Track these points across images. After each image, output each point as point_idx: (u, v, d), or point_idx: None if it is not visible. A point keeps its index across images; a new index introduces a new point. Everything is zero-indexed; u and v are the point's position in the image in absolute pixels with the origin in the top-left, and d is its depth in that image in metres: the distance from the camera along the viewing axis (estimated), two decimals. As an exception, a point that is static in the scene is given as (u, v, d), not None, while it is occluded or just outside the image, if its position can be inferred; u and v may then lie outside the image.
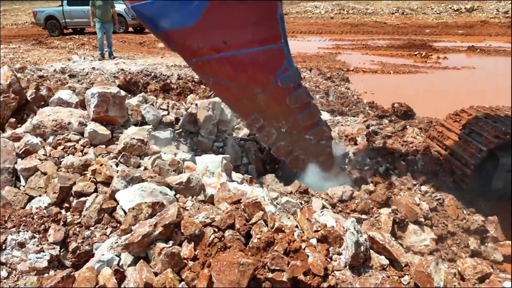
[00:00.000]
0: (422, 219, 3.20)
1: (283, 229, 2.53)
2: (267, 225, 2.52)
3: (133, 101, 4.53)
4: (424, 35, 16.97)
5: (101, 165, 2.98)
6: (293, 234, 2.44)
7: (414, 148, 4.11)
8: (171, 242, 2.44)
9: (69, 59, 8.70)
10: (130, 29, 19.08)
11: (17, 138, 3.60)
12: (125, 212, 2.63)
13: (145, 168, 3.35)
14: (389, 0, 29.31)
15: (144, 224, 2.41)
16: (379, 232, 2.29)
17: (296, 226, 2.69)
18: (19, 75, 6.56)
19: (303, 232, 2.53)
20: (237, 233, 2.48)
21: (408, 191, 3.43)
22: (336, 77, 8.94)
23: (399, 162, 3.96)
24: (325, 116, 5.95)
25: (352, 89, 8.39)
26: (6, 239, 2.56)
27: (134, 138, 3.54)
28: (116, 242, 2.49)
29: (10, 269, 2.54)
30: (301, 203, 3.40)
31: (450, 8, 24.90)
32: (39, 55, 9.51)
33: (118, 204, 2.73)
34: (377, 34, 18.07)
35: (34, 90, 4.71)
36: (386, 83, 9.19)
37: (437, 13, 24.19)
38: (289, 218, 2.99)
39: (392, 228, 3.09)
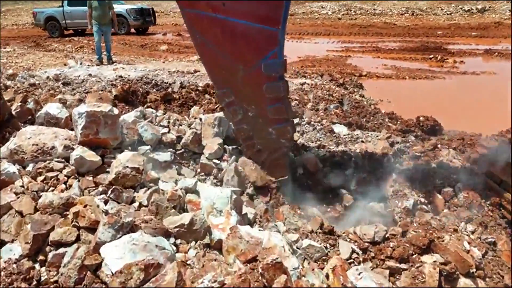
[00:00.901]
0: (474, 270, 2.65)
1: (312, 298, 1.99)
2: (291, 294, 1.98)
3: (129, 117, 4.00)
4: (437, 37, 16.34)
5: (85, 206, 2.44)
6: (326, 309, 1.90)
7: (452, 175, 3.55)
8: (169, 316, 1.91)
9: (65, 64, 8.19)
10: (132, 30, 18.62)
11: (-7, 164, 3.08)
12: (113, 273, 2.10)
13: (140, 205, 2.81)
14: (396, 0, 28.67)
15: (134, 294, 1.88)
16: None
17: (327, 289, 2.15)
18: (9, 82, 6.06)
19: (338, 304, 1.99)
20: (254, 305, 1.95)
21: (455, 234, 2.87)
22: (349, 84, 8.38)
23: (434, 195, 3.41)
24: (342, 130, 5.40)
25: (367, 96, 7.83)
26: (-38, 306, 2.04)
27: (127, 167, 3.01)
28: (100, 314, 1.96)
29: None
30: (325, 247, 2.86)
31: (461, 8, 24.22)
32: (34, 59, 8.98)
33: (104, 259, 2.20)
34: (387, 35, 17.45)
35: (19, 104, 4.20)
36: (402, 90, 8.62)
37: (448, 14, 23.52)
38: (313, 270, 2.46)
39: (438, 281, 2.55)
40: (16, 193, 2.76)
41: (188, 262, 2.34)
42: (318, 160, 4.10)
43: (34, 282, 2.20)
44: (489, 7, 23.78)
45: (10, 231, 2.49)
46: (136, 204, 2.85)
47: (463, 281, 2.57)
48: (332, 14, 25.47)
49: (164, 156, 3.66)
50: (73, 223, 2.44)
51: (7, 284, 2.15)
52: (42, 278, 2.23)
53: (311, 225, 3.12)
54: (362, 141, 4.97)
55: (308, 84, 7.65)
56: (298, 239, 2.85)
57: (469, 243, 2.79)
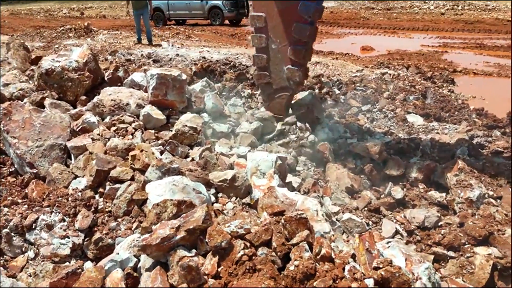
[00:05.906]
0: (538, 271, 2.31)
1: (332, 257, 1.96)
2: (311, 250, 1.97)
3: (197, 86, 4.27)
4: (561, 35, 14.01)
5: (141, 151, 2.72)
6: (344, 268, 1.86)
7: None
8: (194, 251, 2.05)
9: (159, 45, 9.02)
10: (226, 22, 19.49)
11: (81, 115, 3.57)
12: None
13: (192, 159, 3.03)
14: (517, -5, 25.20)
15: (165, 225, 2.06)
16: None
17: (352, 256, 2.08)
18: (109, 57, 6.89)
19: (359, 267, 1.92)
20: (273, 253, 1.99)
21: (521, 230, 2.53)
22: (438, 78, 7.72)
23: (507, 190, 3.03)
24: (417, 120, 5.05)
25: (457, 92, 7.14)
26: (37, 219, 2.45)
27: (186, 126, 3.25)
28: (138, 240, 2.18)
29: (37, 250, 2.42)
30: (367, 224, 2.75)
31: None
32: (135, 41, 10.04)
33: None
34: (496, 33, 15.51)
35: (111, 71, 4.76)
36: (502, 89, 7.64)
37: None
38: (347, 241, 2.39)
39: (490, 276, 2.29)
40: (92, 139, 3.17)
41: (223, 212, 2.47)
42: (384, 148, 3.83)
43: (92, 209, 2.54)
44: None
45: (83, 168, 2.89)
46: (189, 159, 3.07)
47: (521, 280, 2.27)
48: (435, 9, 23.46)
49: (222, 127, 3.76)
50: (130, 165, 2.73)
51: (72, 207, 2.52)
52: (99, 207, 2.56)
53: (358, 203, 3.02)
54: (437, 133, 4.60)
55: (390, 74, 7.26)
56: (339, 211, 2.79)
57: (537, 241, 2.44)
